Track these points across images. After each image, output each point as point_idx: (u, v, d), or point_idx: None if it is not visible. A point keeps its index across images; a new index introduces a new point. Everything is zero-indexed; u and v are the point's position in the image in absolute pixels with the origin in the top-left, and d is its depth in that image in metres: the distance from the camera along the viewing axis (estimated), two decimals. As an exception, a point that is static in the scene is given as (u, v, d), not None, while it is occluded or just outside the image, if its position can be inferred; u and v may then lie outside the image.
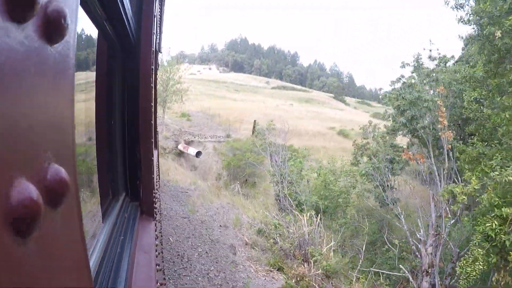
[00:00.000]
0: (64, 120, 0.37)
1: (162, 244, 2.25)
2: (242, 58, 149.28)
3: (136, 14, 1.41)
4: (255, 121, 29.03)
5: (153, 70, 1.52)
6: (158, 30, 2.48)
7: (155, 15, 1.57)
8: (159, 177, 4.15)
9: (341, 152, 28.21)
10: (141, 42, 1.38)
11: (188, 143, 24.54)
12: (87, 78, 1.29)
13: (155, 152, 1.84)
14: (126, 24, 1.30)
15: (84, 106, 1.29)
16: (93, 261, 1.05)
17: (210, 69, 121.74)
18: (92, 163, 1.28)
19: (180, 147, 23.07)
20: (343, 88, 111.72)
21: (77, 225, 0.40)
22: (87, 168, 1.27)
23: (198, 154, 21.58)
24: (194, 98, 32.28)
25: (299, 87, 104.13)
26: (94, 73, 1.32)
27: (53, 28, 0.32)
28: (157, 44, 2.77)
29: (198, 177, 21.19)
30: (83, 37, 1.26)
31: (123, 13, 1.24)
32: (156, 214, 1.53)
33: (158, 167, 4.52)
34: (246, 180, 21.09)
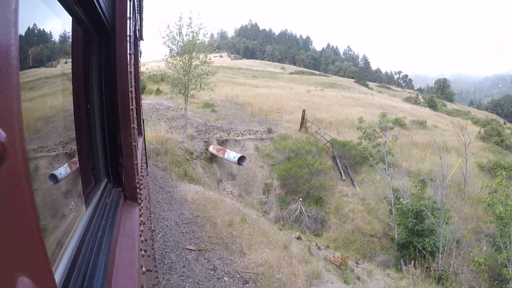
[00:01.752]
0: (2, 79, 0.36)
1: (152, 232, 2.28)
2: (253, 44, 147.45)
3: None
4: (304, 111, 23.64)
5: (132, 56, 1.51)
6: (136, 16, 2.45)
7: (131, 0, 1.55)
8: (146, 164, 4.07)
9: (416, 150, 22.12)
10: (116, 27, 1.37)
11: (222, 142, 18.67)
12: (63, 66, 1.30)
13: (140, 139, 1.86)
14: (99, 9, 1.29)
15: (62, 94, 1.30)
16: (72, 243, 1.07)
17: (221, 56, 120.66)
18: (72, 150, 1.30)
19: (213, 149, 17.28)
20: (360, 72, 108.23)
21: (22, 190, 0.39)
22: (67, 155, 1.29)
23: (242, 160, 15.40)
24: (214, 85, 28.92)
25: (317, 72, 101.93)
26: (70, 61, 1.32)
27: None
28: (137, 30, 2.75)
29: (239, 189, 16.10)
30: (57, 24, 1.26)
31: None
32: (142, 200, 1.56)
33: (146, 155, 4.44)
34: (307, 193, 15.64)
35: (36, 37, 1.09)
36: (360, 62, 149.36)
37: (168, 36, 19.13)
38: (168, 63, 19.48)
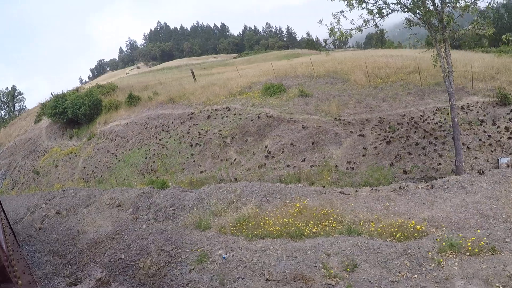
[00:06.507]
0: None
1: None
2: (168, 46, 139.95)
3: None
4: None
5: None
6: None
7: None
8: (15, 236, 3.88)
9: None
10: None
11: None
12: None
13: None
14: None
15: None
16: None
17: (138, 67, 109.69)
18: None
19: None
20: (319, 43, 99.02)
21: None
22: None
23: None
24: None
25: (264, 51, 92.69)
26: None
27: None
28: None
29: None
30: None
31: None
32: (18, 277, 1.32)
33: (9, 223, 4.47)
34: None
35: None
36: (285, 35, 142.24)
37: None
38: None
